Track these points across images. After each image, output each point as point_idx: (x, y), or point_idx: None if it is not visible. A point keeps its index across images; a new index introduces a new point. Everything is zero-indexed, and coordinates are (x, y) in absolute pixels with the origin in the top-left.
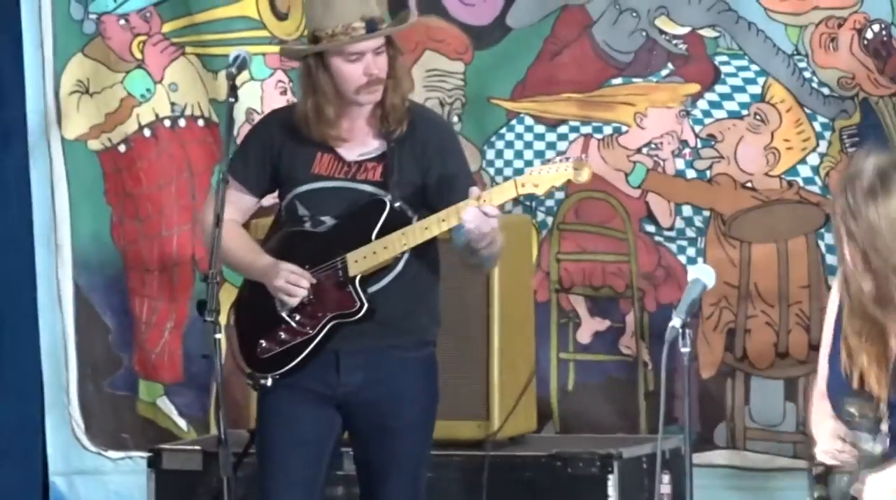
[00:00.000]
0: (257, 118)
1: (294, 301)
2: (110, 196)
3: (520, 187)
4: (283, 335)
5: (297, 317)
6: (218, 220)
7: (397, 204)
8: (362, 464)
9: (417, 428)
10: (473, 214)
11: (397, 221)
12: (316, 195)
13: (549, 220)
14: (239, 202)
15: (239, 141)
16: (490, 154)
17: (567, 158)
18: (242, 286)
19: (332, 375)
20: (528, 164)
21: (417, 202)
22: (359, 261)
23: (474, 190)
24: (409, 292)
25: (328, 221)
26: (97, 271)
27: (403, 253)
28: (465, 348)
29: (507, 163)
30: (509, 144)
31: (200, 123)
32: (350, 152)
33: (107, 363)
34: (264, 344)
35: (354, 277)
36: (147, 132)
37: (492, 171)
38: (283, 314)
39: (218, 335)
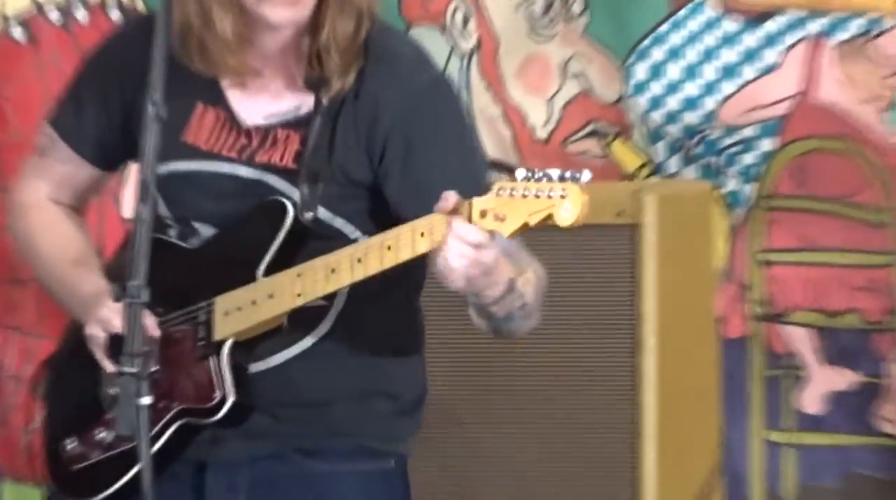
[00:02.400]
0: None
1: (110, 366)
2: None
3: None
4: (103, 434)
5: None
6: (145, 191)
7: (309, 215)
8: None
9: None
10: (450, 248)
11: (306, 246)
12: (187, 183)
13: (749, 189)
14: (65, 173)
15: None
16: (639, 72)
17: (573, 176)
18: (65, 329)
19: None
20: (709, 90)
21: (362, 211)
22: (230, 314)
23: (450, 196)
24: (344, 360)
25: (204, 230)
26: None
27: (295, 309)
28: (598, 420)
29: (671, 88)
30: (674, 54)
31: (115, 14)
32: (252, 110)
33: None
34: (73, 446)
35: (222, 342)
36: (18, 32)
37: (641, 105)
38: (110, 393)
39: (145, 400)
